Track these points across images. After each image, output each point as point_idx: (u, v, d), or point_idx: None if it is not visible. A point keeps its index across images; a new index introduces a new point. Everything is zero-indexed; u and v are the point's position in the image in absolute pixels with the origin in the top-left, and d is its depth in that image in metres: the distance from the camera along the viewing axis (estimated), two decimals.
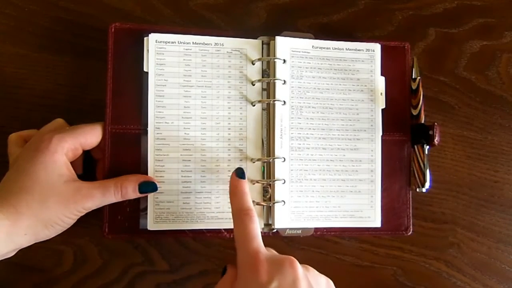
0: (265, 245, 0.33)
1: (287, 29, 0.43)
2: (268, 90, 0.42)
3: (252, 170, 0.41)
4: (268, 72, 0.42)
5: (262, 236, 0.33)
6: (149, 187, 0.38)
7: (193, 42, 0.41)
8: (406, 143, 0.44)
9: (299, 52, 0.43)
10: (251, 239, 0.32)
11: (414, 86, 0.44)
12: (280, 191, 0.41)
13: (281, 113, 0.41)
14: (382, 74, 0.44)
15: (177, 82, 0.40)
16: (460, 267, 0.47)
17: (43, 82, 0.42)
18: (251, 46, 0.42)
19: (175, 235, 0.41)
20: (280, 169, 0.41)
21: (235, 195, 0.36)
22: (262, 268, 0.30)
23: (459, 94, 0.48)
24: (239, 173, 0.37)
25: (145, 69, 0.40)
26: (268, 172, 0.41)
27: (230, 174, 0.41)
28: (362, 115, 0.44)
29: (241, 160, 0.41)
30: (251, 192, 0.41)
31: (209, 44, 0.41)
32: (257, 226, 0.34)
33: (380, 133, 0.44)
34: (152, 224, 0.40)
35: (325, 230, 0.43)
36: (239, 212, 0.34)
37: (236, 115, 0.41)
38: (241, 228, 0.33)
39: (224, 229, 0.41)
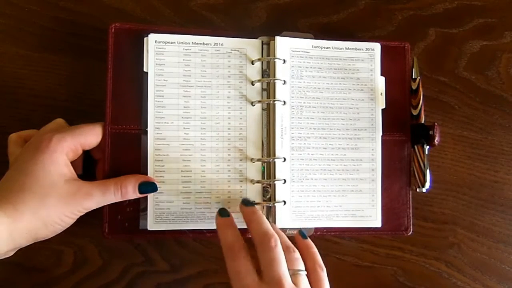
0: None
1: (287, 29, 0.43)
2: (268, 90, 0.42)
3: (252, 170, 0.41)
4: (268, 72, 0.42)
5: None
6: (149, 187, 0.38)
7: (192, 42, 0.41)
8: (406, 143, 0.44)
9: (299, 52, 0.43)
10: (240, 278, 0.33)
11: (414, 86, 0.44)
12: (280, 191, 0.41)
13: (281, 113, 0.41)
14: (382, 74, 0.44)
15: (177, 82, 0.40)
16: (460, 267, 0.47)
17: (43, 82, 0.42)
18: (251, 46, 0.42)
19: (175, 235, 0.41)
20: (281, 169, 0.41)
21: (221, 230, 0.36)
22: None
23: (459, 94, 0.48)
24: (222, 214, 0.37)
25: (144, 69, 0.40)
26: (268, 172, 0.41)
27: (230, 174, 0.41)
28: (362, 114, 0.44)
29: (241, 160, 0.41)
30: (251, 192, 0.41)
31: (208, 44, 0.41)
32: (245, 260, 0.33)
33: (381, 133, 0.44)
34: (152, 224, 0.40)
35: (325, 230, 0.43)
36: (227, 249, 0.34)
37: (236, 115, 0.41)
38: (230, 266, 0.34)
39: None
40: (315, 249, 0.37)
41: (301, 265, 0.35)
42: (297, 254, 0.35)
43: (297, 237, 0.38)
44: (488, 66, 0.49)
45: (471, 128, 0.48)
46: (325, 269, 0.36)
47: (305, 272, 0.35)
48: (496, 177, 0.48)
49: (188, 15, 0.45)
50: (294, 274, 0.34)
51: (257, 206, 0.41)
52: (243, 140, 0.41)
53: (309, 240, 0.38)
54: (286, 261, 0.34)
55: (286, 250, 0.35)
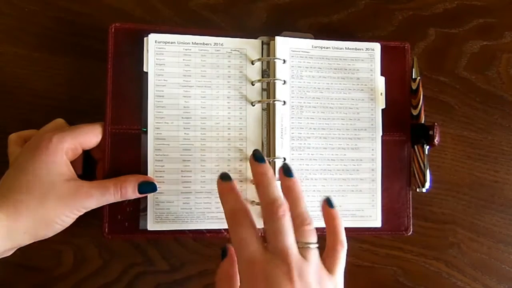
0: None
1: (287, 29, 0.43)
2: (268, 90, 0.42)
3: None
4: (268, 72, 0.42)
5: (263, 235, 0.33)
6: (148, 187, 0.38)
7: (192, 42, 0.41)
8: (406, 143, 0.44)
9: (299, 52, 0.43)
10: (244, 247, 0.31)
11: (414, 86, 0.44)
12: (281, 191, 0.41)
13: (281, 113, 0.41)
14: (382, 74, 0.44)
15: (177, 82, 0.41)
16: (460, 267, 0.47)
17: (43, 82, 0.42)
18: (251, 46, 0.42)
19: (175, 235, 0.41)
20: None
21: (223, 196, 0.34)
22: (258, 282, 0.30)
23: (459, 94, 0.48)
24: (224, 177, 0.35)
25: (145, 69, 0.40)
26: None
27: (230, 175, 0.41)
28: (362, 114, 0.44)
29: (241, 160, 0.41)
30: (251, 191, 0.41)
31: (208, 44, 0.41)
32: (249, 228, 0.32)
33: (380, 133, 0.44)
34: (152, 224, 0.40)
35: (325, 230, 0.43)
36: (229, 215, 0.33)
37: (236, 115, 0.41)
38: (233, 234, 0.32)
39: (224, 229, 0.41)
40: (338, 221, 0.35)
41: (312, 238, 0.33)
42: (310, 226, 0.33)
43: (324, 206, 0.36)
44: (488, 66, 0.49)
45: (471, 128, 0.48)
46: (345, 246, 0.34)
47: (317, 245, 0.32)
48: (496, 177, 0.48)
49: (188, 15, 0.45)
50: (303, 247, 0.32)
51: (257, 206, 0.41)
52: (243, 140, 0.41)
53: (335, 210, 0.35)
54: (297, 233, 0.32)
55: (300, 222, 0.32)
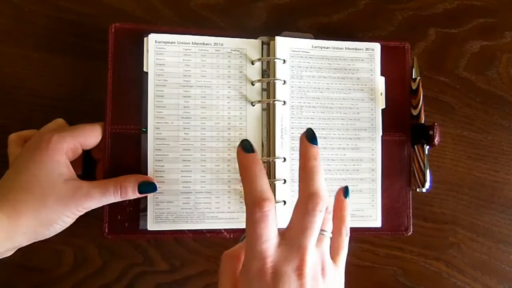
0: None
1: (287, 29, 0.44)
2: (268, 90, 0.42)
3: None
4: (268, 72, 0.42)
5: None
6: (148, 187, 0.38)
7: (192, 42, 0.41)
8: (406, 143, 0.44)
9: (299, 52, 0.43)
10: (260, 243, 0.28)
11: (414, 86, 0.44)
12: (281, 191, 0.41)
13: (281, 113, 0.41)
14: (382, 74, 0.44)
15: (177, 82, 0.41)
16: (460, 267, 0.47)
17: (43, 82, 0.42)
18: (251, 46, 0.42)
19: (175, 235, 0.41)
20: (281, 169, 0.41)
21: (247, 172, 0.30)
22: (265, 276, 0.28)
23: (459, 94, 0.48)
24: (247, 146, 0.31)
25: (144, 69, 0.40)
26: (268, 172, 0.41)
27: (230, 174, 0.41)
28: (362, 114, 0.44)
29: None
30: None
31: (208, 44, 0.41)
32: (273, 224, 0.29)
33: (380, 133, 0.44)
34: (152, 224, 0.40)
35: None
36: (252, 202, 0.29)
37: (236, 115, 0.41)
38: (252, 226, 0.28)
39: (224, 229, 0.41)
40: (347, 212, 0.34)
41: (328, 227, 0.32)
42: (330, 215, 0.32)
43: (339, 194, 0.34)
44: (488, 66, 0.49)
45: (471, 128, 0.48)
46: (349, 235, 0.33)
47: (330, 235, 0.32)
48: (496, 177, 0.48)
49: (188, 15, 0.45)
50: (319, 233, 0.30)
51: None
52: None
53: (347, 201, 0.34)
54: None
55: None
